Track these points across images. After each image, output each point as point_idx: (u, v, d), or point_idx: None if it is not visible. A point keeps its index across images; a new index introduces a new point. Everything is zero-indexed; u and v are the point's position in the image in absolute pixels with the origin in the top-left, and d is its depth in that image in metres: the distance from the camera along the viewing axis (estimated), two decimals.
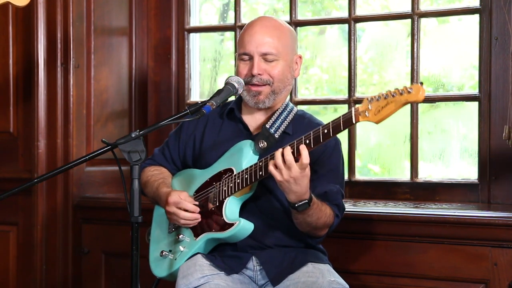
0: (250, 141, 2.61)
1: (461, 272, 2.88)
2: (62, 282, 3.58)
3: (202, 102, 2.44)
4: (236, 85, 2.54)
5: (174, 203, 2.58)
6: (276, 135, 2.60)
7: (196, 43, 3.85)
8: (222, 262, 2.56)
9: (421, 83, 2.16)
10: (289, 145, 2.38)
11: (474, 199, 3.19)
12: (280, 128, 2.62)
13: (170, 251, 2.68)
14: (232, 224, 2.51)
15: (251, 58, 2.62)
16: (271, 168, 2.38)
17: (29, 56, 3.54)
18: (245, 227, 2.52)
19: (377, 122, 2.23)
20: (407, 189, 3.32)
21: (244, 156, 2.57)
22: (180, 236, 2.64)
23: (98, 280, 3.62)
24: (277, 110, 2.67)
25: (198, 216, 2.58)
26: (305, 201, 2.42)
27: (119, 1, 3.76)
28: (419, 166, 3.32)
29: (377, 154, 3.59)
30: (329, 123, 2.34)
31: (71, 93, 3.55)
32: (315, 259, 2.61)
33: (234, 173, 2.55)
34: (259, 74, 2.60)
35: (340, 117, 2.32)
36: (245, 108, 2.73)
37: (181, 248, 2.63)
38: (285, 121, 2.65)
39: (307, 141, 2.35)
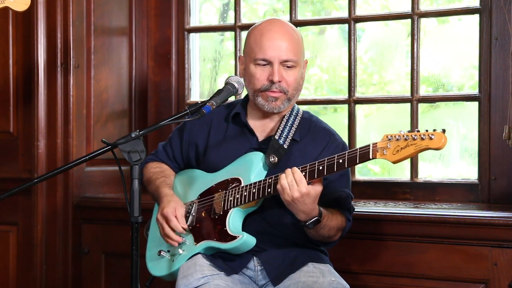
0: (261, 154, 2.58)
1: (461, 272, 2.88)
2: (62, 282, 3.57)
3: (202, 102, 2.43)
4: (236, 85, 2.54)
5: (165, 218, 2.58)
6: (285, 145, 2.59)
7: (196, 43, 3.85)
8: (223, 263, 2.56)
9: (443, 131, 2.13)
10: (300, 168, 2.39)
11: (474, 199, 3.18)
12: (289, 136, 2.61)
13: (168, 251, 2.67)
14: (235, 237, 2.50)
15: (269, 63, 2.57)
16: (279, 188, 2.39)
17: (29, 56, 3.53)
18: (247, 241, 2.51)
19: (394, 162, 2.21)
20: (407, 189, 3.32)
21: (254, 169, 2.55)
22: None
23: (98, 280, 3.62)
24: (284, 116, 2.66)
25: (180, 240, 2.58)
26: (315, 218, 2.43)
27: (119, 1, 3.76)
28: (419, 166, 3.32)
29: None
30: (345, 153, 2.33)
31: (71, 93, 3.55)
32: (316, 259, 2.61)
33: (242, 185, 2.54)
34: (279, 81, 2.57)
35: (357, 149, 2.30)
36: (251, 113, 2.71)
37: (180, 251, 2.63)
38: (293, 127, 2.63)
39: (320, 168, 2.36)
